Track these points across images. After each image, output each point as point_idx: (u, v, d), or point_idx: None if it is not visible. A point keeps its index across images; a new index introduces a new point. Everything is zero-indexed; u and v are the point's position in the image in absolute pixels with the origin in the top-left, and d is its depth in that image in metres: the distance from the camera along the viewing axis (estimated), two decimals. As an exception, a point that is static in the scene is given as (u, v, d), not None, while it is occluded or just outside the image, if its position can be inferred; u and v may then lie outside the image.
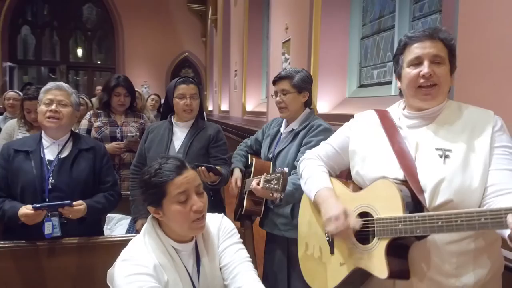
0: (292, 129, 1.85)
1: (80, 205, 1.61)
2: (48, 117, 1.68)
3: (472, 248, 1.08)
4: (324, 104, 4.03)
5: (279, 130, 1.94)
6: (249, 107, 7.46)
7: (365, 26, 3.82)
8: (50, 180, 1.67)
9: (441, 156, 1.11)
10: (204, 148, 1.97)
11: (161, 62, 13.43)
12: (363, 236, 1.18)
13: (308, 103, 1.92)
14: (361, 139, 1.28)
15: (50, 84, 1.76)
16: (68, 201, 1.59)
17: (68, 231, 1.66)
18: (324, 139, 1.74)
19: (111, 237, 1.81)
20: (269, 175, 1.43)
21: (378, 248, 1.11)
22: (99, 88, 6.86)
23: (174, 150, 1.96)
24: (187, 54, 13.89)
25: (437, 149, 1.12)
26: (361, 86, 3.90)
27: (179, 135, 2.00)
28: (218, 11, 10.59)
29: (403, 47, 1.19)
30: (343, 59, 3.98)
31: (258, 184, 1.48)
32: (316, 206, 1.30)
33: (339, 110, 3.92)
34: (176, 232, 1.16)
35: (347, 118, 3.56)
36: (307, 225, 1.41)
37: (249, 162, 2.00)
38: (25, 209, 1.55)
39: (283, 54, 4.92)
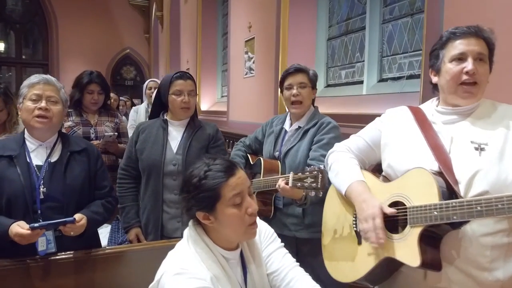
0: (299, 127, 1.81)
1: (81, 220, 1.43)
2: (37, 116, 1.46)
3: (505, 242, 1.10)
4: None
5: (282, 128, 1.89)
6: (204, 107, 7.30)
7: (331, 27, 3.91)
8: (42, 189, 1.44)
9: (476, 149, 1.13)
10: (204, 148, 1.85)
11: (100, 59, 12.62)
12: (393, 225, 1.18)
13: (313, 101, 1.90)
14: (394, 133, 1.29)
15: (35, 77, 1.52)
16: (72, 218, 1.39)
17: (62, 246, 1.46)
18: (335, 136, 1.74)
19: (111, 249, 1.63)
20: (299, 174, 1.38)
21: (411, 236, 1.10)
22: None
23: (171, 151, 1.82)
24: (128, 51, 13.24)
25: (472, 142, 1.14)
26: (328, 85, 3.99)
27: (175, 135, 1.86)
28: (164, 7, 10.23)
29: (445, 42, 1.20)
30: (310, 59, 4.04)
31: (286, 183, 1.42)
32: (347, 198, 1.29)
33: (307, 109, 3.97)
34: (226, 239, 1.06)
35: None
36: (333, 216, 1.39)
37: (252, 162, 1.93)
38: (18, 228, 1.32)
39: (246, 52, 4.87)
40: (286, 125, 1.89)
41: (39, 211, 1.43)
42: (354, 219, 1.31)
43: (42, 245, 1.41)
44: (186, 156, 1.79)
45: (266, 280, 1.11)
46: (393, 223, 1.19)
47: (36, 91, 1.48)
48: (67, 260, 1.47)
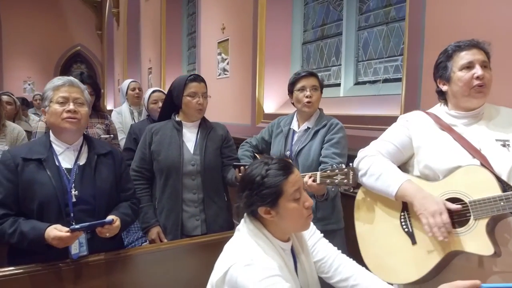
0: (308, 127, 1.94)
1: (116, 221, 1.43)
2: (66, 118, 1.45)
3: None
4: (270, 104, 4.19)
5: (290, 128, 2.00)
6: (168, 107, 7.21)
7: (306, 32, 4.10)
8: (73, 192, 1.44)
9: (503, 146, 1.29)
10: (218, 149, 1.92)
11: (48, 56, 11.95)
12: (451, 220, 1.24)
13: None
14: (423, 136, 1.41)
15: (59, 80, 1.50)
16: (110, 219, 1.40)
17: (92, 248, 1.45)
18: (343, 136, 1.90)
19: (141, 249, 1.64)
20: (328, 172, 1.49)
21: (477, 228, 1.19)
22: None
23: (189, 152, 1.87)
24: (79, 48, 12.65)
25: (497, 140, 1.29)
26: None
27: (189, 136, 1.91)
28: (121, 4, 9.92)
29: (451, 54, 1.38)
30: (286, 62, 4.20)
31: (314, 180, 1.53)
32: (399, 199, 1.35)
33: (284, 110, 4.12)
34: (283, 231, 1.16)
35: None
36: (369, 222, 1.46)
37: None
38: (56, 231, 1.29)
39: (220, 54, 4.93)
40: (294, 126, 2.01)
41: (71, 214, 1.42)
42: (402, 220, 1.38)
43: (75, 248, 1.41)
44: (204, 156, 1.85)
45: (314, 268, 1.22)
46: (451, 218, 1.26)
47: (62, 94, 1.46)
48: (98, 262, 1.48)
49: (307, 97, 1.92)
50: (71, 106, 1.45)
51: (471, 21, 2.12)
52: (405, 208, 1.40)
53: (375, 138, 2.45)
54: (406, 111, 2.50)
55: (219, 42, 4.95)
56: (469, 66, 1.34)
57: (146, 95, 2.75)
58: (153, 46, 7.58)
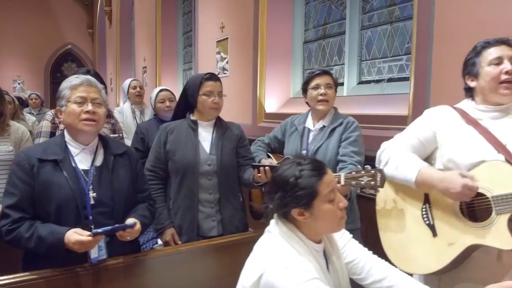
0: (324, 126, 1.92)
1: (136, 224, 1.39)
2: (85, 119, 1.40)
3: None
4: (271, 103, 4.17)
5: (305, 127, 1.98)
6: (164, 106, 7.14)
7: (307, 31, 4.09)
8: (91, 194, 1.39)
9: None
10: (234, 148, 1.89)
11: (38, 55, 11.75)
12: (472, 214, 1.29)
13: None
14: (448, 130, 1.41)
15: (76, 79, 1.44)
16: (132, 222, 1.36)
17: (111, 252, 1.41)
18: (360, 134, 1.89)
19: (159, 251, 1.61)
20: (353, 173, 1.48)
21: (499, 223, 1.20)
22: None
23: (205, 152, 1.84)
24: (70, 46, 12.47)
25: None
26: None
27: (205, 136, 1.87)
28: (113, 2, 9.79)
29: (480, 50, 1.39)
30: (287, 61, 4.18)
31: (338, 182, 1.51)
32: (419, 185, 1.37)
33: (285, 109, 4.11)
34: (316, 233, 1.13)
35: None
36: (390, 214, 1.48)
37: (277, 161, 1.99)
38: (77, 235, 1.25)
39: (219, 52, 4.89)
40: (309, 124, 1.99)
41: (90, 217, 1.37)
42: (424, 212, 1.40)
43: (94, 252, 1.36)
44: (221, 156, 1.82)
45: (345, 269, 1.20)
46: (472, 212, 1.32)
47: (80, 94, 1.41)
48: (117, 266, 1.44)
49: (321, 95, 1.90)
50: (89, 107, 1.40)
51: (480, 20, 2.12)
52: (427, 201, 1.43)
53: (382, 137, 2.46)
54: (415, 110, 2.54)
55: (218, 41, 4.91)
56: (498, 62, 1.35)
57: (153, 94, 2.70)
58: (148, 45, 7.49)
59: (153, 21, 7.08)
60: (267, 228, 1.20)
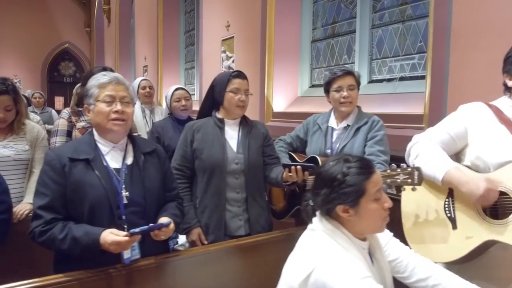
0: (348, 125, 1.91)
1: (171, 224, 1.37)
2: (114, 119, 1.37)
3: None
4: (279, 102, 4.16)
5: (328, 126, 1.97)
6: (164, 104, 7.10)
7: (315, 30, 4.08)
8: (124, 193, 1.37)
9: None
10: (261, 147, 1.87)
11: (35, 53, 11.63)
12: (494, 212, 1.33)
13: None
14: (480, 128, 1.42)
15: (104, 76, 1.42)
16: (167, 222, 1.34)
17: (143, 252, 1.39)
18: (385, 133, 1.88)
19: (190, 251, 1.58)
20: (387, 171, 1.47)
21: None
22: None
23: (232, 150, 1.83)
24: (67, 45, 12.36)
25: None
26: (313, 86, 4.15)
27: (232, 134, 1.86)
28: (112, 0, 9.72)
29: None
30: (295, 60, 4.17)
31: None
32: (445, 184, 1.40)
33: (293, 108, 4.10)
34: (359, 231, 1.12)
35: (301, 116, 3.75)
36: (415, 204, 1.51)
37: (300, 160, 1.98)
38: (113, 236, 1.24)
39: (224, 51, 4.87)
40: (332, 124, 1.98)
41: (123, 217, 1.35)
42: (446, 206, 1.44)
43: (127, 252, 1.34)
44: (248, 155, 1.80)
45: (389, 268, 1.19)
46: (495, 210, 1.35)
47: (108, 92, 1.39)
48: (150, 266, 1.41)
49: (344, 97, 1.89)
50: (118, 107, 1.38)
51: (499, 18, 2.12)
52: (450, 195, 1.46)
53: (397, 136, 2.43)
54: (432, 109, 2.54)
55: (223, 40, 4.88)
56: None
57: (169, 93, 2.67)
58: (149, 44, 7.44)
59: (155, 20, 7.03)
60: (310, 226, 1.19)
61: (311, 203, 1.19)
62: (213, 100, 1.89)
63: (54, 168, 1.32)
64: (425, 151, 1.47)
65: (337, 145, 1.90)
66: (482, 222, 1.35)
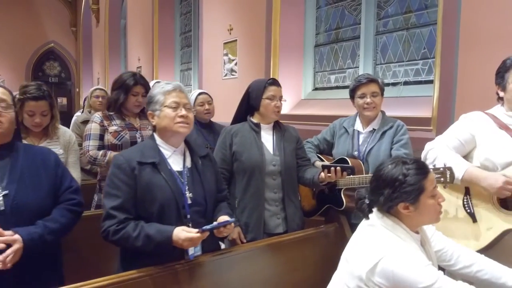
0: (374, 129, 2.06)
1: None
2: (180, 123, 1.48)
3: None
4: (283, 105, 4.27)
5: (354, 130, 2.11)
6: (161, 107, 7.12)
7: (318, 35, 4.23)
8: (188, 194, 1.47)
9: None
10: (294, 150, 2.00)
11: (19, 53, 11.39)
12: (505, 205, 1.54)
13: None
14: (484, 133, 1.62)
15: (168, 85, 1.52)
16: (232, 219, 1.44)
17: (204, 248, 1.49)
18: (409, 137, 2.03)
19: (241, 247, 1.69)
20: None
21: None
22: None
23: (269, 153, 1.94)
24: (52, 45, 12.13)
25: None
26: (316, 89, 4.30)
27: (267, 137, 1.97)
28: (101, 0, 9.63)
29: (509, 67, 1.60)
30: (299, 63, 4.31)
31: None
32: (464, 182, 1.59)
33: (297, 110, 4.24)
34: (415, 225, 1.27)
35: (305, 118, 3.89)
36: None
37: (328, 162, 2.11)
38: (186, 233, 1.34)
39: (226, 54, 4.96)
40: (358, 127, 2.12)
41: (188, 216, 1.45)
42: (465, 203, 1.64)
43: (192, 249, 1.44)
44: (284, 157, 1.92)
45: (435, 257, 1.34)
46: (504, 203, 1.55)
47: (173, 99, 1.50)
48: (209, 261, 1.52)
49: (367, 103, 2.03)
50: (183, 112, 1.48)
51: (506, 26, 2.29)
52: (467, 193, 1.67)
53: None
54: (440, 113, 2.72)
55: (225, 43, 4.97)
56: None
57: (192, 97, 2.75)
58: (143, 45, 7.44)
59: (149, 21, 7.05)
60: (368, 222, 1.31)
61: (367, 201, 1.32)
62: (248, 105, 2.00)
63: (125, 171, 1.40)
64: (442, 154, 1.66)
65: (364, 148, 2.04)
66: (498, 214, 1.55)
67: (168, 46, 7.05)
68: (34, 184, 1.41)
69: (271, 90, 1.94)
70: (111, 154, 2.25)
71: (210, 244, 1.54)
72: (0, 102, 1.40)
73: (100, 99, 3.22)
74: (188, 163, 1.54)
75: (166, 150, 1.51)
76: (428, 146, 1.77)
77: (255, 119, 1.99)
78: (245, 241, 1.89)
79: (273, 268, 1.72)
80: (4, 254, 1.25)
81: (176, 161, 1.52)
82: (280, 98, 1.97)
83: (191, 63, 6.64)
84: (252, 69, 4.53)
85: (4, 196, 1.35)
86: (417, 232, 1.30)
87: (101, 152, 2.26)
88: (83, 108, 4.51)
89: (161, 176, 1.43)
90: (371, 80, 2.05)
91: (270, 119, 1.98)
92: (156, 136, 1.54)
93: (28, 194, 1.39)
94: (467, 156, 1.73)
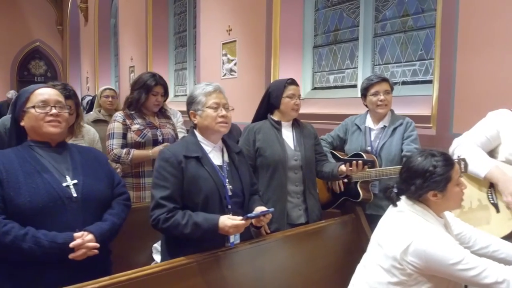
0: (384, 126, 2.22)
1: None
2: (221, 122, 1.60)
3: None
4: (284, 104, 4.41)
5: (366, 126, 2.27)
6: (156, 106, 7.15)
7: (317, 36, 4.38)
8: (228, 186, 1.58)
9: None
10: (313, 145, 2.14)
11: (4, 52, 11.20)
12: None
13: None
14: (509, 129, 1.77)
15: (208, 86, 1.63)
16: (272, 209, 1.56)
17: (240, 237, 1.61)
18: (417, 133, 2.19)
19: (272, 236, 1.80)
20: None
21: None
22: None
23: (290, 149, 2.06)
24: (38, 43, 11.94)
25: None
26: (315, 88, 4.46)
27: (287, 134, 2.10)
28: (90, -1, 9.56)
29: None
30: (298, 64, 4.46)
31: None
32: (486, 179, 1.74)
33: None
34: (442, 210, 1.42)
35: (304, 116, 4.05)
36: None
37: (343, 157, 2.25)
38: (231, 220, 1.46)
39: (225, 55, 5.07)
40: (370, 124, 2.27)
41: (229, 206, 1.57)
42: (489, 194, 1.77)
43: (232, 237, 1.55)
44: (305, 152, 2.05)
45: (456, 240, 1.50)
46: None
47: (214, 100, 1.61)
48: (246, 249, 1.64)
49: (381, 101, 2.18)
50: (223, 112, 1.60)
51: (503, 29, 2.47)
52: (492, 185, 1.80)
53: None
54: (440, 112, 2.90)
55: (224, 43, 5.08)
56: None
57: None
58: (136, 45, 7.45)
59: (143, 20, 7.07)
60: (396, 209, 1.46)
61: (395, 190, 1.47)
62: (268, 104, 2.13)
63: (172, 164, 1.52)
64: (468, 152, 1.80)
65: (376, 143, 2.19)
66: None
67: (162, 46, 7.09)
68: (95, 176, 1.53)
69: (290, 89, 2.07)
70: (134, 152, 2.34)
71: (246, 233, 1.66)
72: (57, 103, 1.50)
73: (110, 99, 3.28)
74: (226, 158, 1.66)
75: (206, 146, 1.63)
76: (455, 142, 1.92)
77: (276, 117, 2.12)
78: (269, 231, 2.01)
79: (299, 255, 1.85)
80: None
81: (216, 156, 1.63)
82: (299, 96, 2.10)
83: (186, 63, 6.71)
84: (252, 69, 4.65)
85: (74, 185, 1.44)
86: (441, 217, 1.45)
87: (124, 151, 2.34)
88: (87, 107, 4.54)
89: (205, 169, 1.55)
90: (383, 79, 2.21)
91: (290, 117, 2.11)
92: (196, 133, 1.65)
93: (93, 184, 1.50)
94: (493, 151, 1.87)
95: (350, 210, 2.18)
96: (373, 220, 2.17)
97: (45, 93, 1.51)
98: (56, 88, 2.19)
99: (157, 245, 2.11)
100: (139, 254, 2.11)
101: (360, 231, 2.09)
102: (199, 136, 1.64)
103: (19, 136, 1.53)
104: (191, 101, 1.65)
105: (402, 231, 1.36)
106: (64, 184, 1.43)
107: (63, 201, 1.40)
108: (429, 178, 1.36)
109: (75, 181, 1.45)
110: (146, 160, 2.40)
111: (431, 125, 2.95)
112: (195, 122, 1.64)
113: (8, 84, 11.11)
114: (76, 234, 1.38)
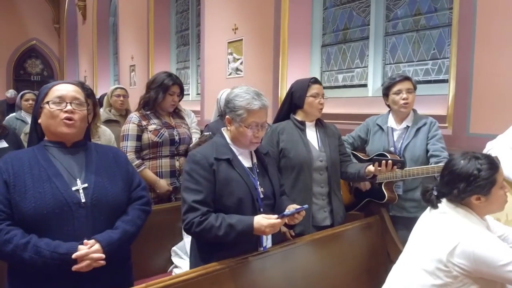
0: (407, 126, 2.18)
1: None
2: (254, 142, 1.58)
3: None
4: (292, 103, 4.37)
5: (388, 126, 2.23)
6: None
7: (325, 35, 4.34)
8: (260, 189, 1.53)
9: None
10: (337, 146, 2.09)
11: (0, 51, 11.00)
12: None
13: None
14: None
15: (255, 101, 1.56)
16: (306, 206, 1.51)
17: (272, 240, 1.56)
18: (441, 132, 2.16)
19: (300, 240, 1.76)
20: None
21: None
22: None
23: (315, 149, 2.01)
24: (34, 42, 11.78)
25: None
26: (323, 87, 4.41)
27: (311, 134, 2.06)
28: (89, -4, 9.44)
29: None
30: (306, 63, 4.42)
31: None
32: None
33: (305, 109, 4.34)
34: (484, 213, 1.39)
35: None
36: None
37: (364, 158, 2.21)
38: (267, 220, 1.41)
39: (231, 53, 5.01)
40: (392, 124, 2.24)
41: (261, 209, 1.52)
42: None
43: (265, 241, 1.51)
44: (330, 153, 2.01)
45: None
46: None
47: (255, 120, 1.56)
48: (277, 252, 1.60)
49: (404, 99, 2.15)
50: (260, 133, 1.56)
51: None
52: None
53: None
54: (456, 111, 2.86)
55: (229, 42, 5.02)
56: None
57: (222, 97, 2.81)
58: (137, 43, 7.37)
59: (144, 18, 6.99)
60: (439, 211, 1.42)
61: (435, 193, 1.43)
62: (291, 104, 2.08)
63: (204, 167, 1.46)
64: (500, 155, 1.72)
65: (400, 144, 2.16)
66: None
67: (163, 44, 7.02)
68: (110, 179, 1.42)
69: (314, 88, 2.03)
70: (145, 169, 2.29)
71: (277, 237, 1.61)
72: (74, 99, 1.41)
73: (122, 98, 3.21)
74: (255, 160, 1.61)
75: (235, 149, 1.58)
76: (489, 145, 1.90)
77: (299, 117, 2.07)
78: (293, 234, 1.97)
79: (328, 258, 1.81)
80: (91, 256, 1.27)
81: (245, 158, 1.58)
82: (323, 95, 2.06)
83: (188, 62, 6.64)
84: (260, 68, 4.60)
85: (83, 189, 1.35)
86: (483, 219, 1.42)
87: (137, 162, 2.28)
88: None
89: (236, 172, 1.50)
90: (406, 78, 2.17)
91: (314, 116, 2.07)
92: (226, 135, 1.60)
93: (106, 188, 1.39)
94: None
95: (374, 211, 2.14)
96: (396, 222, 2.15)
97: (62, 89, 1.42)
98: (72, 87, 2.14)
99: (177, 248, 2.06)
100: (157, 257, 2.05)
101: (384, 232, 2.06)
102: (229, 139, 1.59)
103: (38, 134, 1.45)
104: (229, 108, 1.57)
105: (448, 232, 1.33)
106: (73, 189, 1.33)
107: (70, 207, 1.30)
108: (473, 182, 1.33)
109: (85, 184, 1.35)
110: (150, 184, 2.32)
111: (446, 124, 2.92)
112: (229, 128, 1.58)
113: (4, 83, 10.96)
114: (80, 246, 1.27)
